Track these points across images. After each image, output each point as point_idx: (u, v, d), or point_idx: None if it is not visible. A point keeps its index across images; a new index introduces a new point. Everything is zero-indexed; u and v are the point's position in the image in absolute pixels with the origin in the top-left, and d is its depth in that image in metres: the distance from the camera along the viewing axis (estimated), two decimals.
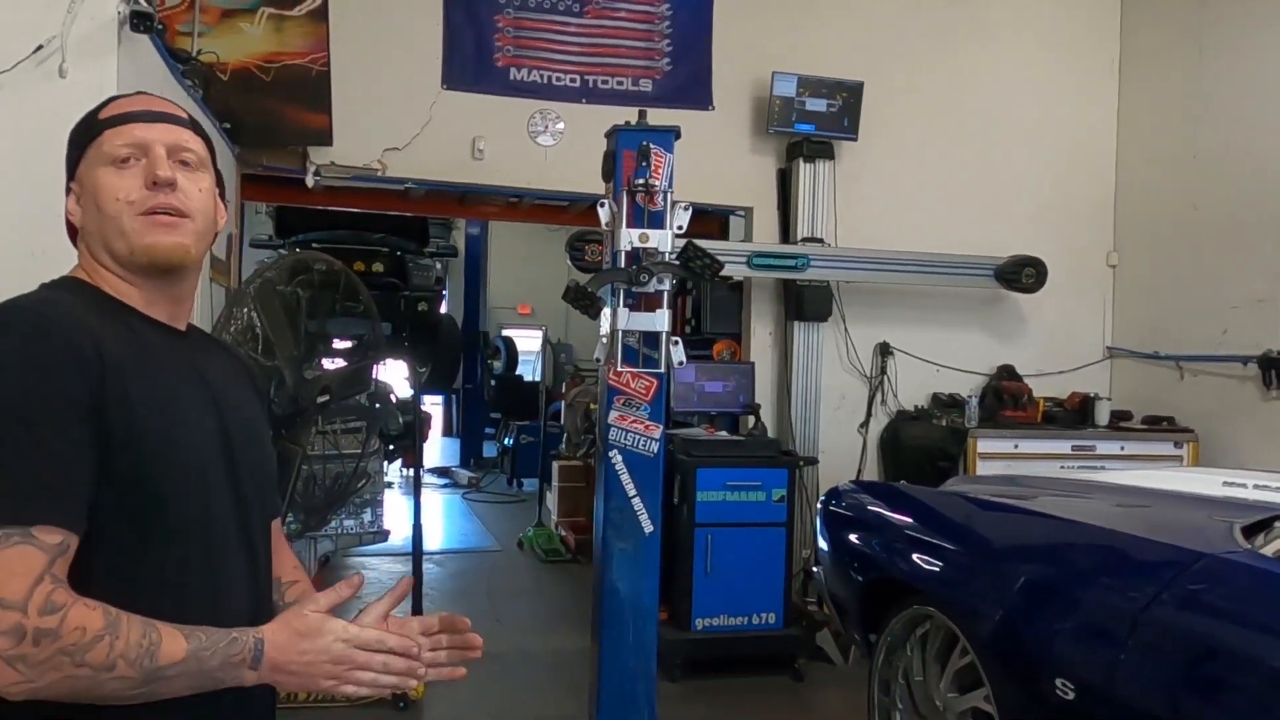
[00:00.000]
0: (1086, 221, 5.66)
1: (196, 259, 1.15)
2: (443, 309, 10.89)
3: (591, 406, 6.55)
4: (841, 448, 5.19)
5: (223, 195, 1.23)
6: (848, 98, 5.03)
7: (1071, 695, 1.87)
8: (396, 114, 4.68)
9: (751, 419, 4.90)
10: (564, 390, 9.06)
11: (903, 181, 5.33)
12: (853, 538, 2.98)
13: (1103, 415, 5.14)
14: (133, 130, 1.13)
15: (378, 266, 8.98)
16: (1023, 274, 5.11)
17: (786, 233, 5.17)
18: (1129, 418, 5.20)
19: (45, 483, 0.96)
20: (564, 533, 6.94)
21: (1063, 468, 4.63)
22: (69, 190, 1.18)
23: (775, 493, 4.41)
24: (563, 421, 8.48)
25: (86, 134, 1.15)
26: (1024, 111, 5.54)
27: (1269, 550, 1.64)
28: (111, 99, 1.20)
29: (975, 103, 5.46)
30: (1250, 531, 1.77)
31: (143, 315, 1.14)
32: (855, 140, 5.09)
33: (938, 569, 2.48)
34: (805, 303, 5.00)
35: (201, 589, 1.09)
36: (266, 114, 4.27)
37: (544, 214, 5.87)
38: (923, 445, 5.00)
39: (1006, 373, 5.35)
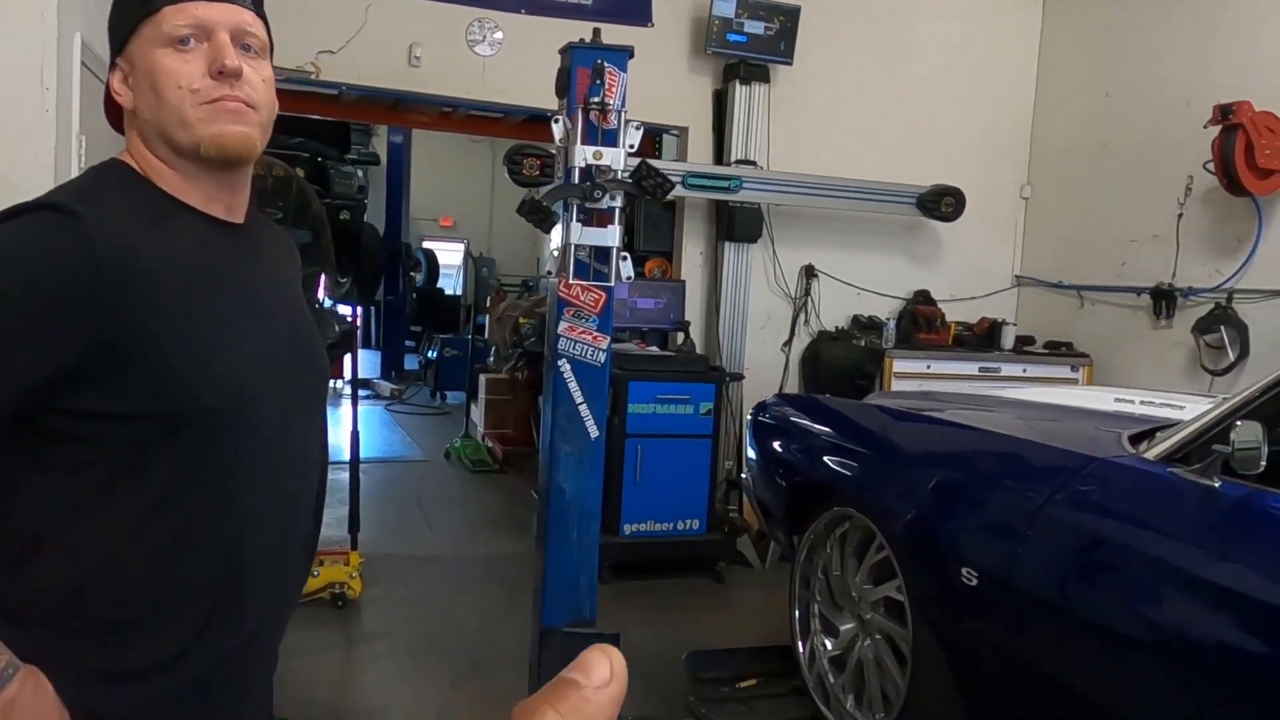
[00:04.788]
0: (1003, 154, 5.90)
1: (260, 152, 1.07)
2: (364, 219, 10.67)
3: (521, 321, 6.62)
4: (766, 365, 5.41)
5: None
6: (785, 21, 5.10)
7: (975, 582, 2.11)
8: (331, 15, 4.56)
9: (681, 336, 5.07)
10: (488, 304, 9.09)
11: (834, 108, 5.46)
12: (778, 446, 3.20)
13: (1008, 340, 5.47)
14: (194, 9, 1.02)
15: (298, 172, 8.74)
16: (942, 203, 5.34)
17: (720, 154, 5.26)
18: (1032, 342, 5.55)
19: None
20: (491, 444, 7.07)
21: (970, 387, 4.94)
22: (113, 66, 1.06)
23: (703, 406, 4.60)
24: (488, 335, 8.54)
25: (142, 8, 1.03)
26: (950, 43, 5.69)
27: (1151, 455, 1.88)
28: None
29: (905, 32, 5.59)
30: (1136, 440, 2.01)
31: (198, 213, 1.07)
32: (791, 64, 5.18)
33: (857, 474, 2.70)
34: (737, 224, 5.14)
35: (247, 489, 1.06)
36: None
37: (478, 125, 5.85)
38: (842, 364, 5.26)
39: (922, 297, 5.62)
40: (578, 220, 2.51)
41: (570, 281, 2.56)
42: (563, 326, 2.59)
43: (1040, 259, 5.87)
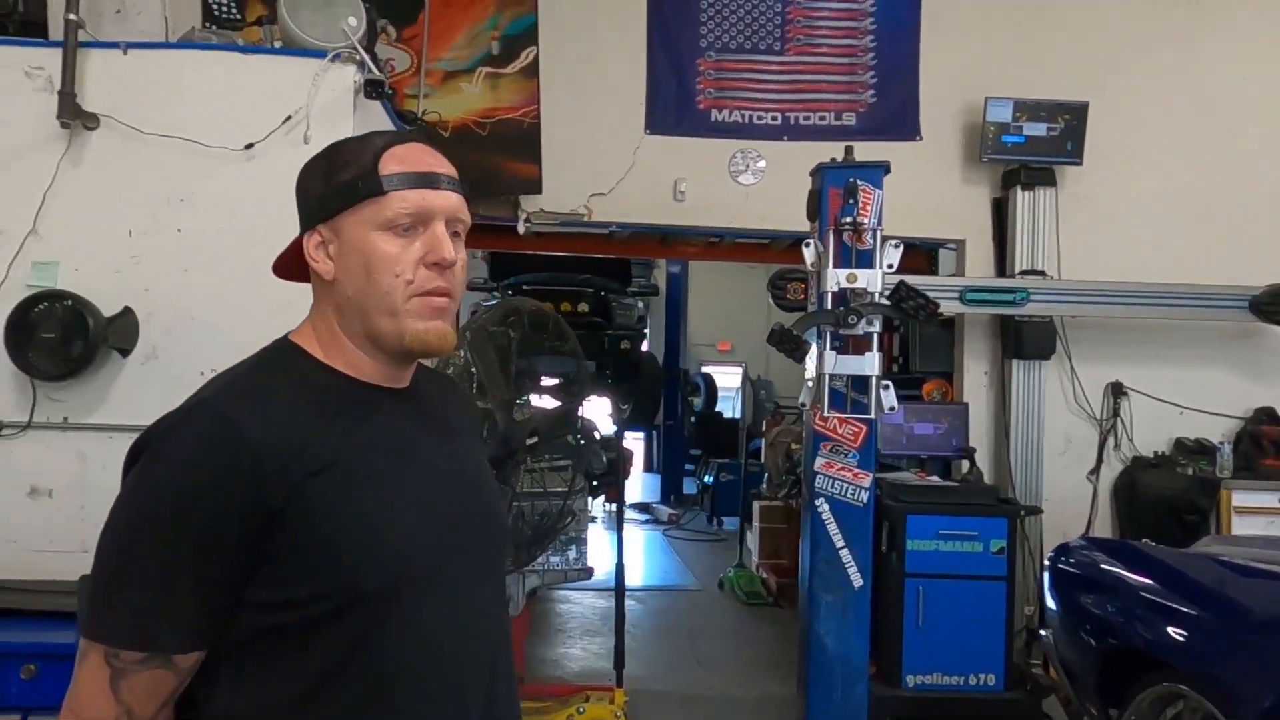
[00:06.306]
0: None
1: (454, 345, 1.06)
2: (644, 347, 11.10)
3: (793, 446, 6.41)
4: (1067, 497, 4.79)
5: None
6: (1070, 120, 4.70)
7: None
8: (602, 160, 4.82)
9: (965, 464, 4.62)
10: (764, 428, 8.96)
11: (1134, 206, 4.92)
12: (1086, 600, 2.72)
13: None
14: (422, 197, 1.01)
15: (583, 306, 9.28)
16: None
17: (1003, 265, 4.88)
18: None
19: (180, 608, 0.93)
20: (765, 575, 6.80)
21: None
22: (312, 231, 1.03)
23: (994, 544, 4.10)
24: (763, 460, 8.37)
25: (364, 187, 1.00)
26: (1271, 119, 4.97)
27: None
28: (388, 140, 1.05)
29: (1214, 113, 4.97)
30: None
31: (364, 384, 1.05)
32: (1080, 164, 4.75)
33: (1192, 643, 2.20)
34: (1025, 339, 4.69)
35: (414, 669, 1.00)
36: (483, 167, 4.52)
37: (744, 252, 5.85)
38: (1165, 497, 4.53)
39: (1265, 416, 4.77)
40: (832, 348, 2.33)
41: (826, 414, 2.37)
42: (819, 463, 2.39)
43: None
